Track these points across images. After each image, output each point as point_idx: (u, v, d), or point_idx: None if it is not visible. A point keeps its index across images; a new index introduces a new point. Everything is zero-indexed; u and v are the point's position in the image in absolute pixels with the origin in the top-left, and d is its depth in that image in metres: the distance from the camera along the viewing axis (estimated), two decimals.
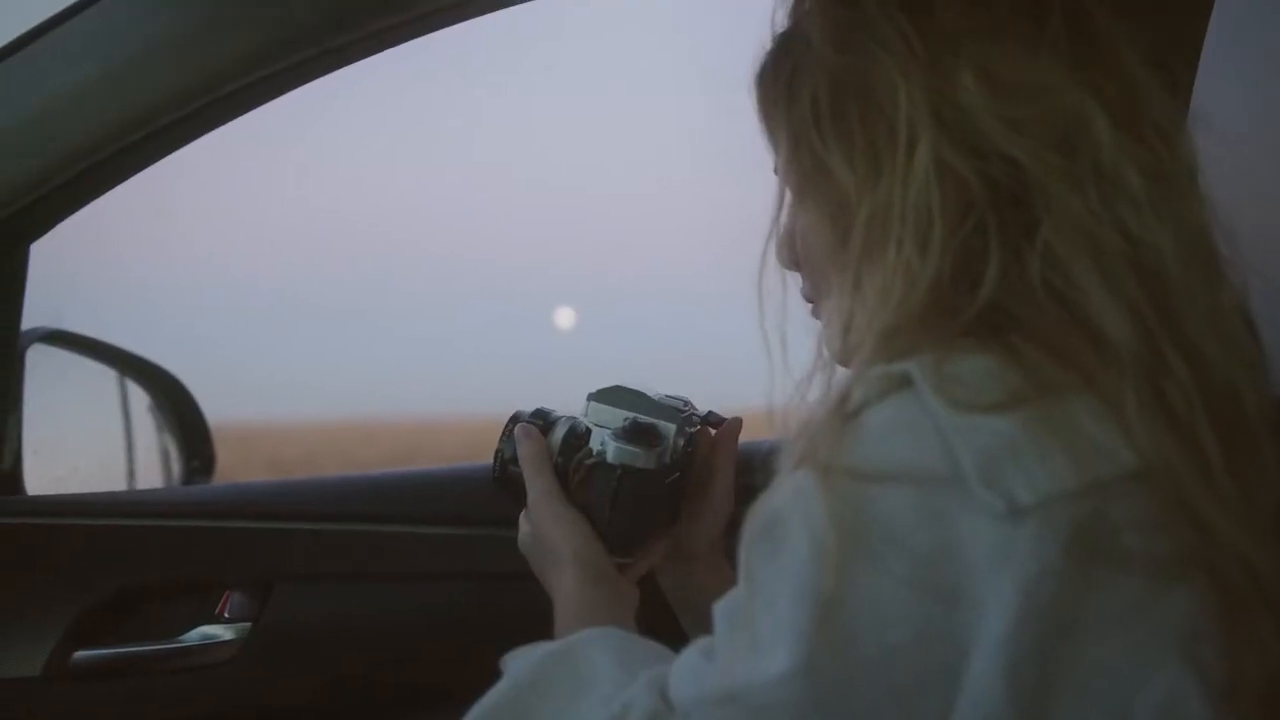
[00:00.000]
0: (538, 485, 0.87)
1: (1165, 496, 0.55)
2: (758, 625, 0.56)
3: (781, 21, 0.73)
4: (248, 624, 1.19)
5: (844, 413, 0.57)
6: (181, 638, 1.18)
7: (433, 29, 1.13)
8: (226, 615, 1.19)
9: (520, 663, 0.71)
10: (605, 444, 0.86)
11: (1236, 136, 0.70)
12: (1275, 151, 1.12)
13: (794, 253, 0.75)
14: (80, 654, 1.16)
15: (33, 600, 1.17)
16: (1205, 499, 0.55)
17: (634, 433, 0.85)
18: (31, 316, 1.24)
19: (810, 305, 0.77)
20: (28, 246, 1.21)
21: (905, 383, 0.56)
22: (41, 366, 1.28)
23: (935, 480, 0.54)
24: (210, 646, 1.18)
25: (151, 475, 1.47)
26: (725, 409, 0.95)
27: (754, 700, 0.54)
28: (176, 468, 1.46)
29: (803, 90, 0.67)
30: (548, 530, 0.86)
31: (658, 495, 0.87)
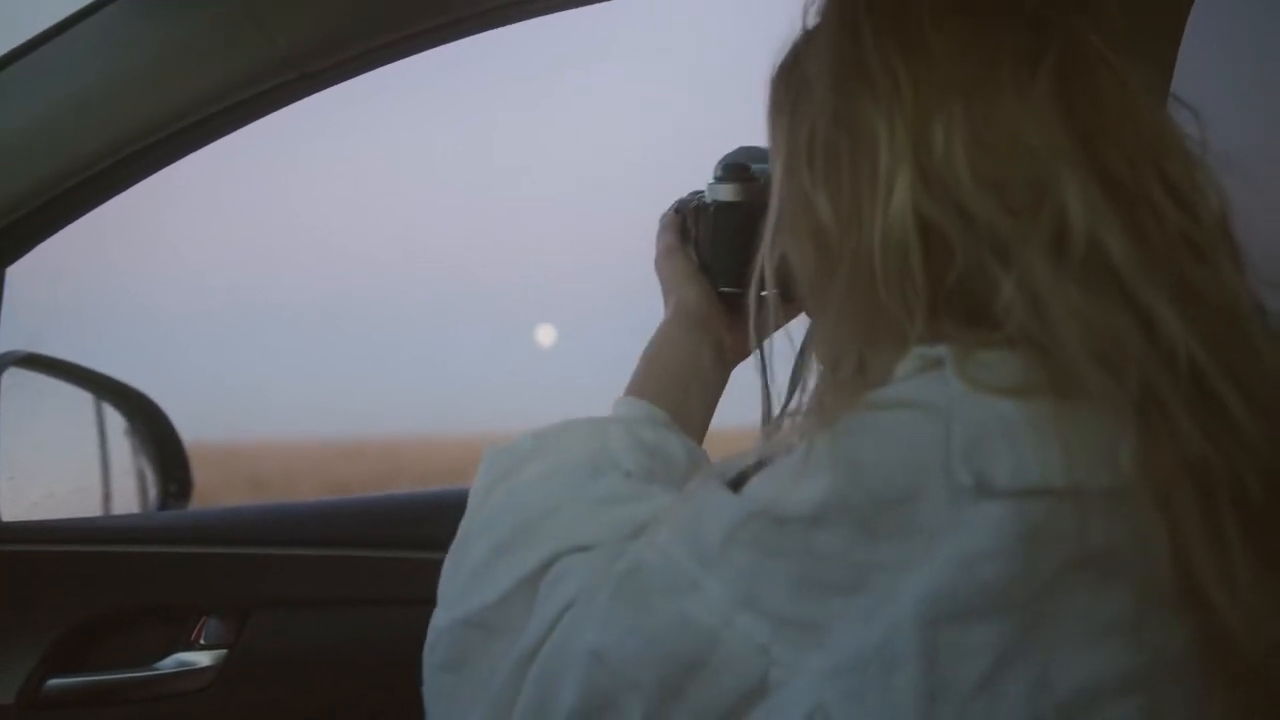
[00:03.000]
0: (659, 245, 0.94)
1: (1161, 535, 0.54)
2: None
3: (811, 20, 0.71)
4: (224, 651, 1.18)
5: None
6: (157, 665, 1.17)
7: (409, 53, 1.14)
8: (202, 642, 1.19)
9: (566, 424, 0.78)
10: (707, 191, 0.93)
11: (1216, 128, 0.68)
12: (1257, 145, 1.14)
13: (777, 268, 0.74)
14: (54, 681, 1.15)
15: (6, 627, 1.16)
16: (1208, 571, 0.54)
17: (724, 171, 0.92)
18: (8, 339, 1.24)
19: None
20: (3, 270, 1.21)
21: (938, 364, 0.58)
22: (17, 391, 1.27)
23: (927, 433, 0.55)
24: (186, 674, 1.17)
25: (127, 500, 1.46)
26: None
27: (699, 512, 0.61)
28: (153, 492, 1.45)
29: (804, 118, 0.68)
30: (662, 278, 0.93)
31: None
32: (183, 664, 1.17)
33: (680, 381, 0.84)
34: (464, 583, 0.71)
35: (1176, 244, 0.60)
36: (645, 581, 0.60)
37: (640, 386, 0.84)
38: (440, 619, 0.70)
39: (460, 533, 0.74)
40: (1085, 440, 0.55)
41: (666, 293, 0.92)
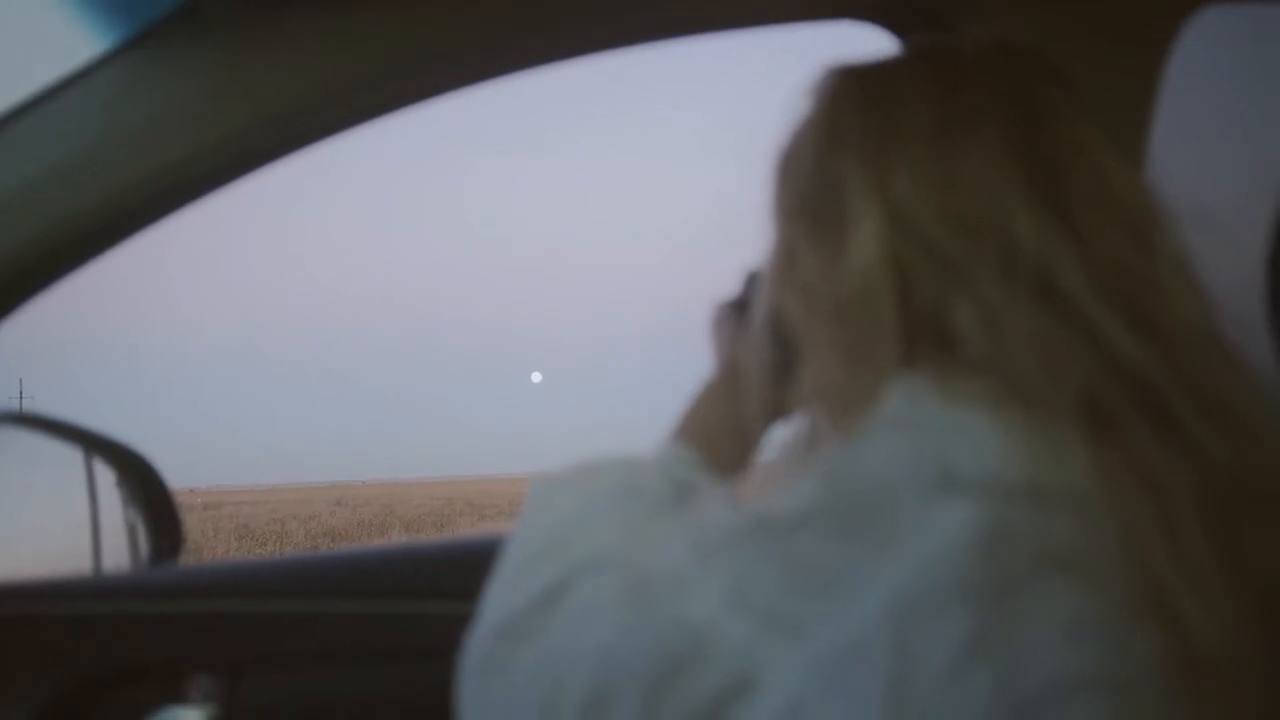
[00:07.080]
0: (715, 310, 1.01)
1: (1123, 542, 0.56)
2: None
3: (804, 106, 0.79)
4: (216, 708, 1.17)
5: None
6: None
7: (399, 109, 1.15)
8: (194, 699, 1.18)
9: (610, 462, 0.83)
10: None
11: (1191, 181, 0.72)
12: (1232, 199, 1.16)
13: (775, 332, 0.80)
14: None
15: None
16: (1174, 579, 0.56)
17: None
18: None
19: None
20: None
21: (916, 390, 0.62)
22: (6, 449, 1.26)
23: (900, 443, 0.59)
24: None
25: (118, 555, 1.45)
26: None
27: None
28: (144, 548, 1.44)
29: (794, 184, 0.76)
30: (714, 338, 0.99)
31: None
32: None
33: (717, 431, 0.91)
34: (497, 593, 0.74)
35: (1130, 275, 0.65)
36: (651, 584, 0.64)
37: (680, 431, 0.91)
38: (477, 627, 0.73)
39: (504, 549, 0.78)
40: (1046, 448, 0.58)
41: (716, 352, 0.99)
